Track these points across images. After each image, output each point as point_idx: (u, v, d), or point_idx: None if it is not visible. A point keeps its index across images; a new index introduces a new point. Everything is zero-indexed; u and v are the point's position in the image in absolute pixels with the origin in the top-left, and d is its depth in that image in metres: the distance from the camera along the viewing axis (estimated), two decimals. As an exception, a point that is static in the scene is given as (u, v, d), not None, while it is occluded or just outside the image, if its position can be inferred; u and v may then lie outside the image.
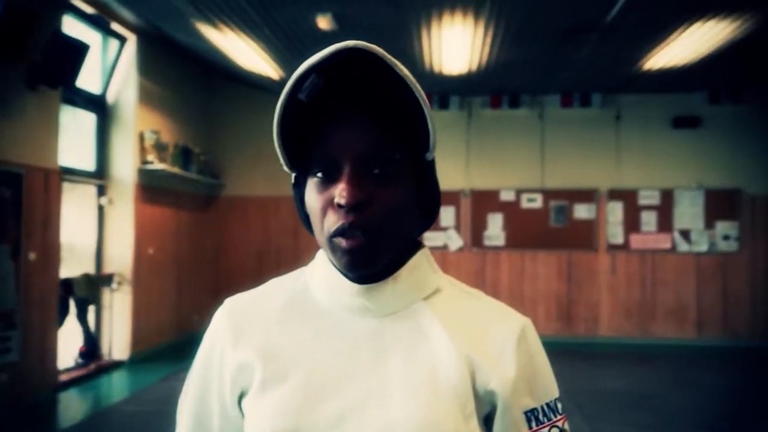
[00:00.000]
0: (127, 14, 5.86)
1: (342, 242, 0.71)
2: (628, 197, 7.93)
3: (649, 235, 7.90)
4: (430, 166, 0.79)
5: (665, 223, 7.89)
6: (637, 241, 7.92)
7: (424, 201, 0.80)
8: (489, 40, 5.94)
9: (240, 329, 0.80)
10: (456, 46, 6.12)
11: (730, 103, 7.76)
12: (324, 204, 0.73)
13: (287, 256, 8.06)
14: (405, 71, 0.68)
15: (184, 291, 7.43)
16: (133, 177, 6.30)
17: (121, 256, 6.29)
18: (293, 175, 0.80)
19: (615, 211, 7.96)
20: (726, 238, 7.78)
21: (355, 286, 0.76)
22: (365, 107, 0.73)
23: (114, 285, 6.23)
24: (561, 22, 5.49)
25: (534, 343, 0.78)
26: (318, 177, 0.74)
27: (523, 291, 8.06)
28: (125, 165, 6.30)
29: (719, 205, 7.82)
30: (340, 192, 0.70)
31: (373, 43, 0.67)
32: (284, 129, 0.72)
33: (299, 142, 0.75)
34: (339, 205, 0.71)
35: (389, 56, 0.67)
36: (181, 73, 7.29)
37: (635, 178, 7.95)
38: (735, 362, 6.90)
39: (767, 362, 6.99)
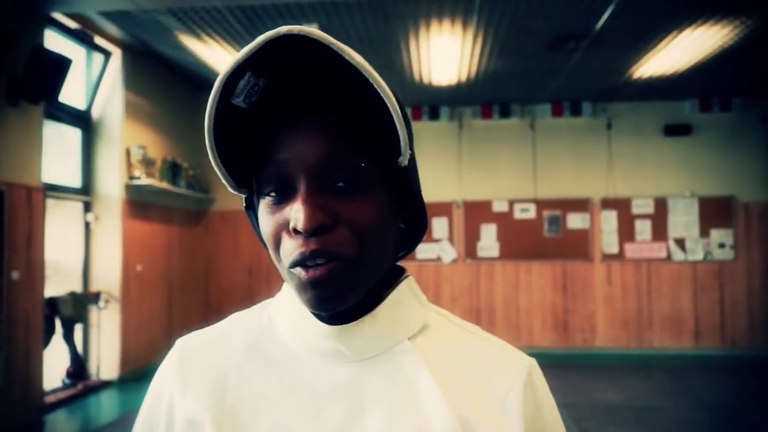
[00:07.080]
0: (111, 28, 5.79)
1: (302, 273, 0.59)
2: (621, 206, 7.88)
3: (644, 244, 7.83)
4: (407, 173, 0.64)
5: (660, 232, 7.83)
6: (632, 250, 7.85)
7: (408, 215, 0.68)
8: (478, 49, 5.90)
9: (191, 377, 0.68)
10: (445, 56, 6.08)
11: (720, 111, 7.75)
12: (278, 229, 0.60)
13: (277, 272, 7.95)
14: (358, 59, 0.54)
15: (174, 308, 7.31)
16: (119, 193, 6.20)
17: (108, 274, 6.18)
18: (243, 197, 0.67)
19: (609, 220, 7.90)
20: (721, 246, 7.73)
21: (326, 327, 0.63)
22: (319, 108, 0.60)
23: (101, 303, 6.11)
24: (549, 30, 5.45)
25: (541, 388, 0.66)
26: (269, 197, 0.61)
27: (518, 302, 7.98)
28: (112, 181, 6.20)
29: (713, 212, 7.78)
30: (295, 214, 0.58)
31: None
32: (222, 143, 0.59)
33: (246, 155, 0.62)
34: (296, 230, 0.58)
35: (335, 41, 0.54)
36: (167, 86, 7.21)
37: (628, 187, 7.90)
38: (733, 372, 6.81)
39: (766, 371, 6.91)
